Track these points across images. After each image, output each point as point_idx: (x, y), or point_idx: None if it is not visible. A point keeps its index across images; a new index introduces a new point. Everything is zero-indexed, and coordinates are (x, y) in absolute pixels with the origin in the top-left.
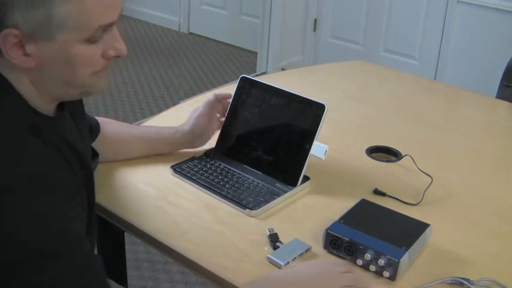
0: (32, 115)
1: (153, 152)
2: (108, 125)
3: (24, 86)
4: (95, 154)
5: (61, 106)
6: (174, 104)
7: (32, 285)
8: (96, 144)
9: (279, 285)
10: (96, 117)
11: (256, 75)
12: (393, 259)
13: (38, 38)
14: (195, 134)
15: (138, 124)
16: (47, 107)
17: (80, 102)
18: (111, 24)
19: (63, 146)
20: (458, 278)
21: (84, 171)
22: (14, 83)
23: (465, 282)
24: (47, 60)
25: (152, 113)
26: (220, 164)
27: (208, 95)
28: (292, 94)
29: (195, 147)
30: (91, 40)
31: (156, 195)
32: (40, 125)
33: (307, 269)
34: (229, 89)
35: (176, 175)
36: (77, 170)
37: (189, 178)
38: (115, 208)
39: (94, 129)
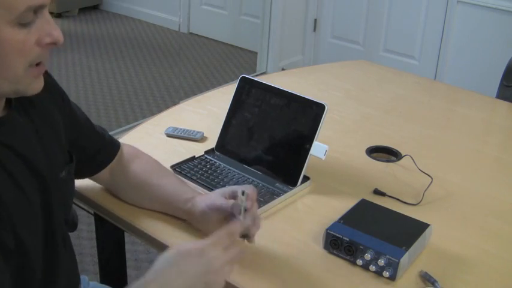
0: None
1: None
2: (134, 164)
3: None
4: (70, 159)
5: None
6: (174, 104)
7: None
8: (106, 172)
9: None
10: (131, 148)
11: (256, 75)
12: (393, 259)
13: None
14: (200, 218)
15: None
16: None
17: (55, 100)
18: (41, 7)
19: (2, 152)
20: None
21: (36, 180)
22: None
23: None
24: None
25: (152, 113)
26: (220, 164)
27: (208, 95)
28: (292, 94)
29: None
30: (22, 23)
31: None
32: None
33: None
34: (229, 89)
35: (176, 175)
36: (22, 177)
37: (189, 178)
38: (115, 208)
39: (102, 156)
